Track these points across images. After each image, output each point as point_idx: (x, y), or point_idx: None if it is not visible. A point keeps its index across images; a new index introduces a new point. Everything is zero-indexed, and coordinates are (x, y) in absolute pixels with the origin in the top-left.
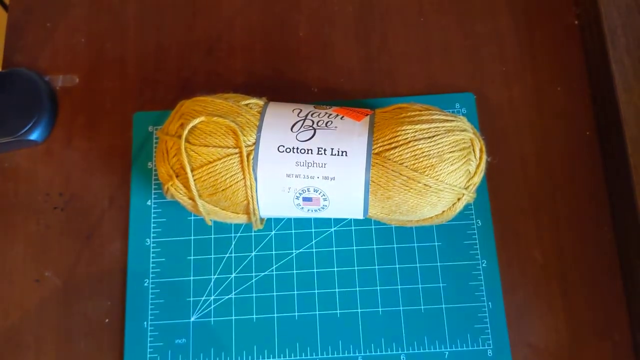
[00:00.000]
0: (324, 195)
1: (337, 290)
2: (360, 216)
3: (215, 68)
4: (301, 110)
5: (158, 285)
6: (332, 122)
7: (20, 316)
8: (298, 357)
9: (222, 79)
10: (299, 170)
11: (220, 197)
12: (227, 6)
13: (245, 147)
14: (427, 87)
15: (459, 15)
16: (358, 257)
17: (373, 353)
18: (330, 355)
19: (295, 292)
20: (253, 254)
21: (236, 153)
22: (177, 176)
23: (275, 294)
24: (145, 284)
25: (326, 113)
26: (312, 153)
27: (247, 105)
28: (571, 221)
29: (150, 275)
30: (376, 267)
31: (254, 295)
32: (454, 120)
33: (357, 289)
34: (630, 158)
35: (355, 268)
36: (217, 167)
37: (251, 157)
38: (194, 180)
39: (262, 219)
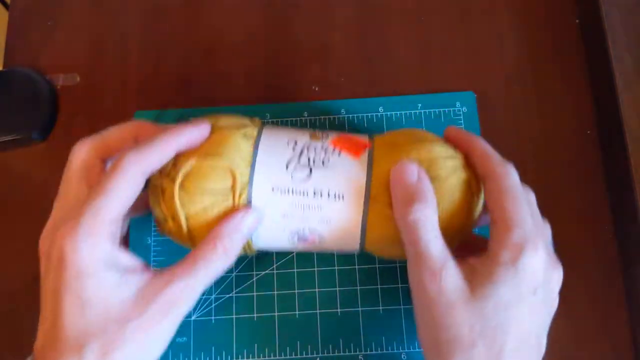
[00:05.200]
0: (319, 235)
1: (337, 288)
2: (356, 252)
3: (216, 67)
4: (296, 143)
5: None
6: (329, 159)
7: (20, 315)
8: (299, 356)
9: (222, 78)
10: (295, 211)
11: None
12: (227, 5)
13: (239, 185)
14: (428, 87)
15: (459, 14)
16: (359, 255)
17: (374, 351)
18: (331, 354)
19: (296, 291)
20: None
21: (229, 194)
22: (172, 219)
23: (275, 292)
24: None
25: (322, 147)
26: (307, 195)
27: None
28: (571, 221)
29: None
30: (377, 265)
31: (254, 293)
32: (455, 157)
33: (358, 287)
34: (631, 157)
35: (356, 267)
36: (213, 210)
37: (244, 196)
38: (189, 222)
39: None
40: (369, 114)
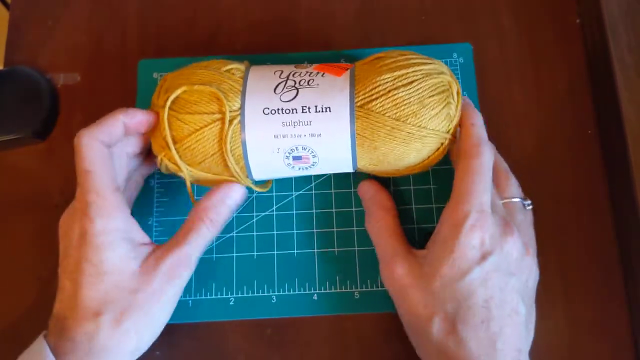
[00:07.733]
0: (312, 152)
1: (335, 229)
2: (350, 169)
3: None
4: (282, 72)
5: (161, 223)
6: (313, 80)
7: (21, 314)
8: (297, 292)
9: None
10: (286, 130)
11: (211, 163)
12: (227, 1)
13: (231, 112)
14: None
15: (460, 14)
16: (356, 198)
17: (369, 288)
18: (328, 291)
19: (295, 231)
20: (254, 195)
21: (222, 119)
22: (166, 145)
23: (275, 232)
24: (149, 222)
25: (307, 72)
26: (296, 112)
27: (229, 71)
28: (571, 221)
29: (155, 214)
30: None
31: (254, 233)
32: (431, 63)
33: (355, 228)
34: (632, 157)
35: (353, 209)
36: (204, 133)
37: (237, 121)
38: (184, 149)
39: (265, 183)
40: None
